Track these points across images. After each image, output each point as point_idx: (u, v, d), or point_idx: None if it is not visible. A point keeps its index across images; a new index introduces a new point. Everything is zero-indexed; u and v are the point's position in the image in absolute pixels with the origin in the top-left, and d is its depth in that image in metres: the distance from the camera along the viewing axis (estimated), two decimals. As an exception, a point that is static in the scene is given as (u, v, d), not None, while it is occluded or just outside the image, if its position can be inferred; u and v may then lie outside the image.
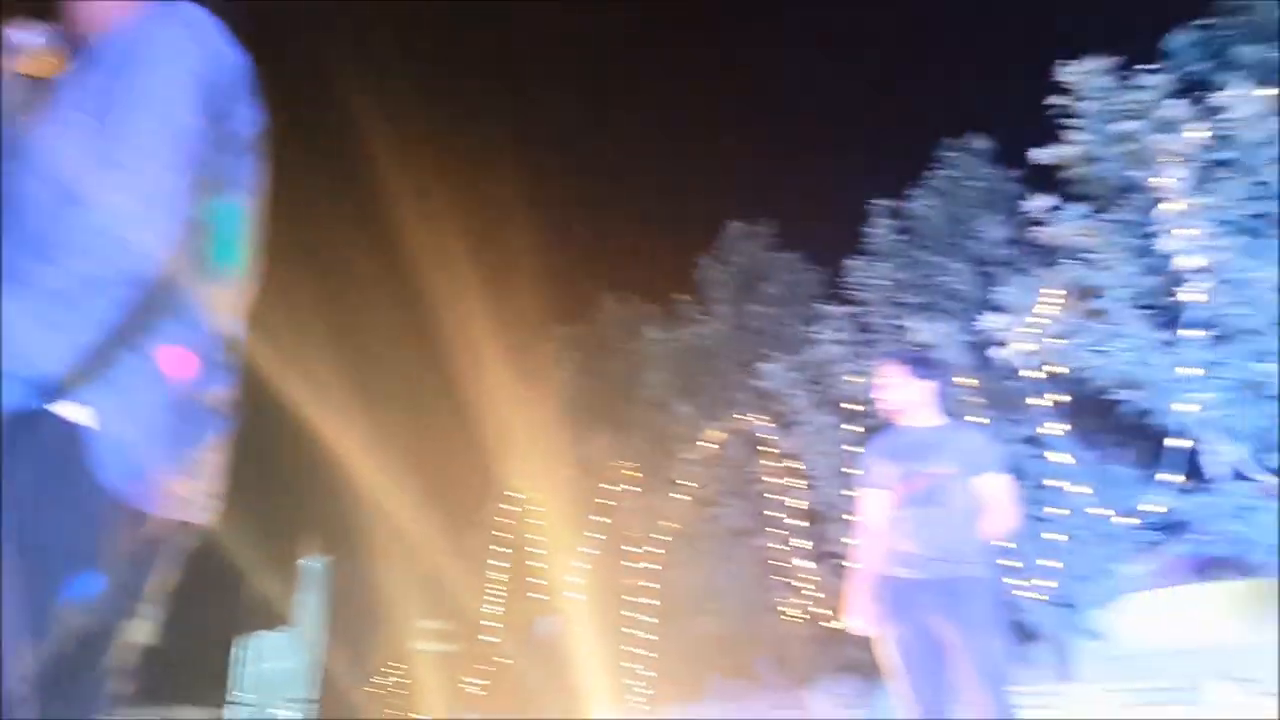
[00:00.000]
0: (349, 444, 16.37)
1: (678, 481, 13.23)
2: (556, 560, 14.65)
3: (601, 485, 14.68)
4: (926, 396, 4.01)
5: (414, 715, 19.26)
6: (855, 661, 10.47)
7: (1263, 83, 6.65)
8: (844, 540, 8.81)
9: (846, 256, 11.04)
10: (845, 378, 10.19)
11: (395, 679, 21.08)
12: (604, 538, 14.52)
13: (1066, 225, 7.62)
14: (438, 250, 14.71)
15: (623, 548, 14.04)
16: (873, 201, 11.07)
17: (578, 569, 14.55)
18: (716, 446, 12.80)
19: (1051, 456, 8.29)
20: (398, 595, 19.79)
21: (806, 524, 11.05)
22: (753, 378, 11.51)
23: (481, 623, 16.61)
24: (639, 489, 14.09)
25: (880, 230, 10.88)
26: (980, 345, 8.63)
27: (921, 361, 4.10)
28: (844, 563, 8.08)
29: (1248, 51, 7.12)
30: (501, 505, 16.57)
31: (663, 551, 13.30)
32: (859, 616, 3.92)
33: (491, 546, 16.91)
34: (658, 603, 13.32)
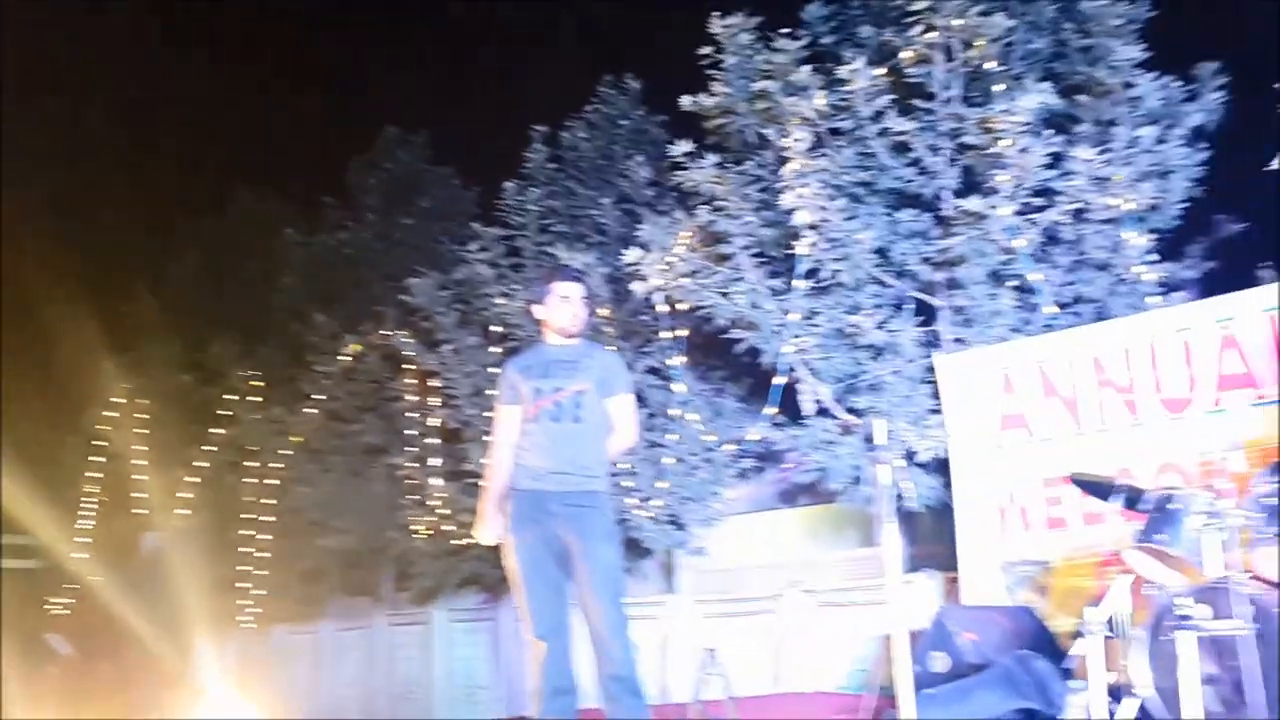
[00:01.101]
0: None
1: (309, 395, 12.64)
2: (165, 473, 13.53)
3: (223, 395, 13.69)
4: (585, 316, 4.14)
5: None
6: (479, 576, 10.73)
7: (876, 62, 7.45)
8: (480, 460, 8.95)
9: (502, 178, 11.01)
10: (493, 299, 10.24)
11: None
12: (221, 450, 13.59)
13: (702, 172, 8.11)
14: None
15: (244, 463, 13.23)
16: (532, 127, 11.11)
17: (190, 483, 13.55)
18: (353, 360, 12.36)
19: (672, 386, 8.91)
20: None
21: (442, 442, 11.03)
22: (398, 292, 11.22)
23: (75, 539, 14.94)
24: (264, 399, 13.30)
25: (536, 156, 10.95)
26: (619, 278, 9.03)
27: (584, 283, 4.22)
28: (478, 481, 8.21)
29: (868, 32, 7.93)
30: (104, 412, 14.87)
31: (285, 467, 12.70)
32: (489, 528, 4.00)
33: (91, 458, 15.20)
34: (276, 519, 12.73)
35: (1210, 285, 7.05)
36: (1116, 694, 4.35)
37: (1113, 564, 4.86)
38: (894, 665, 3.05)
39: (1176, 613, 3.92)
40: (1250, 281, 6.04)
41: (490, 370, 9.68)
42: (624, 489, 9.10)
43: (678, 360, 8.78)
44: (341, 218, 14.46)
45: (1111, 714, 4.30)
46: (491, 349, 10.19)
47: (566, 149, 11.05)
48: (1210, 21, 7.13)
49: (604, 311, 9.24)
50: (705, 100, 8.20)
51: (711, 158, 8.13)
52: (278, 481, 12.75)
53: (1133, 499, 4.63)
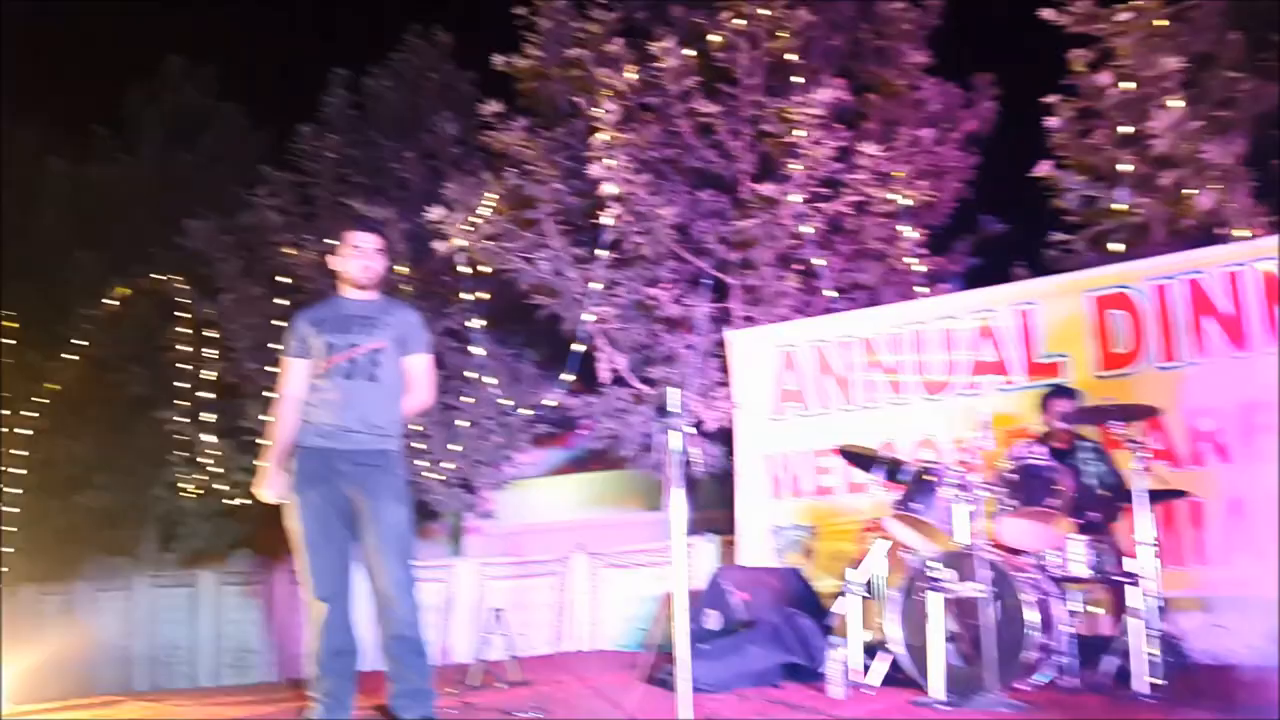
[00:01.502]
0: None
1: (70, 340, 11.62)
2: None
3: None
4: (381, 270, 4.02)
5: None
6: (252, 537, 10.29)
7: (686, 43, 7.61)
8: (259, 416, 8.54)
9: (297, 122, 10.48)
10: (281, 248, 9.78)
11: None
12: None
13: (511, 135, 8.05)
14: None
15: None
16: (333, 70, 10.63)
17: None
18: (121, 305, 11.45)
19: (470, 349, 8.83)
20: None
21: (217, 397, 10.44)
22: (175, 234, 10.48)
23: None
24: (19, 343, 12.10)
25: (336, 101, 10.49)
26: (420, 236, 8.83)
27: (383, 235, 4.09)
28: (255, 439, 7.83)
29: (679, 12, 8.09)
30: None
31: (40, 417, 11.63)
32: (271, 486, 3.84)
33: None
34: (29, 473, 11.65)
35: (972, 279, 7.72)
36: (872, 650, 4.74)
37: (873, 530, 5.24)
38: (672, 623, 3.20)
39: (928, 575, 4.30)
40: (1007, 278, 6.65)
41: (275, 323, 9.25)
42: (416, 451, 8.97)
43: (477, 323, 8.71)
44: (114, 149, 13.31)
45: (866, 668, 4.68)
46: (277, 301, 9.73)
47: (369, 97, 10.64)
48: (987, 35, 7.76)
49: (402, 269, 9.01)
50: (518, 62, 8.13)
51: (521, 121, 8.08)
52: (31, 432, 11.66)
53: (893, 471, 5.03)
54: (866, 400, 6.55)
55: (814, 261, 7.63)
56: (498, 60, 8.13)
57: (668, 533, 3.56)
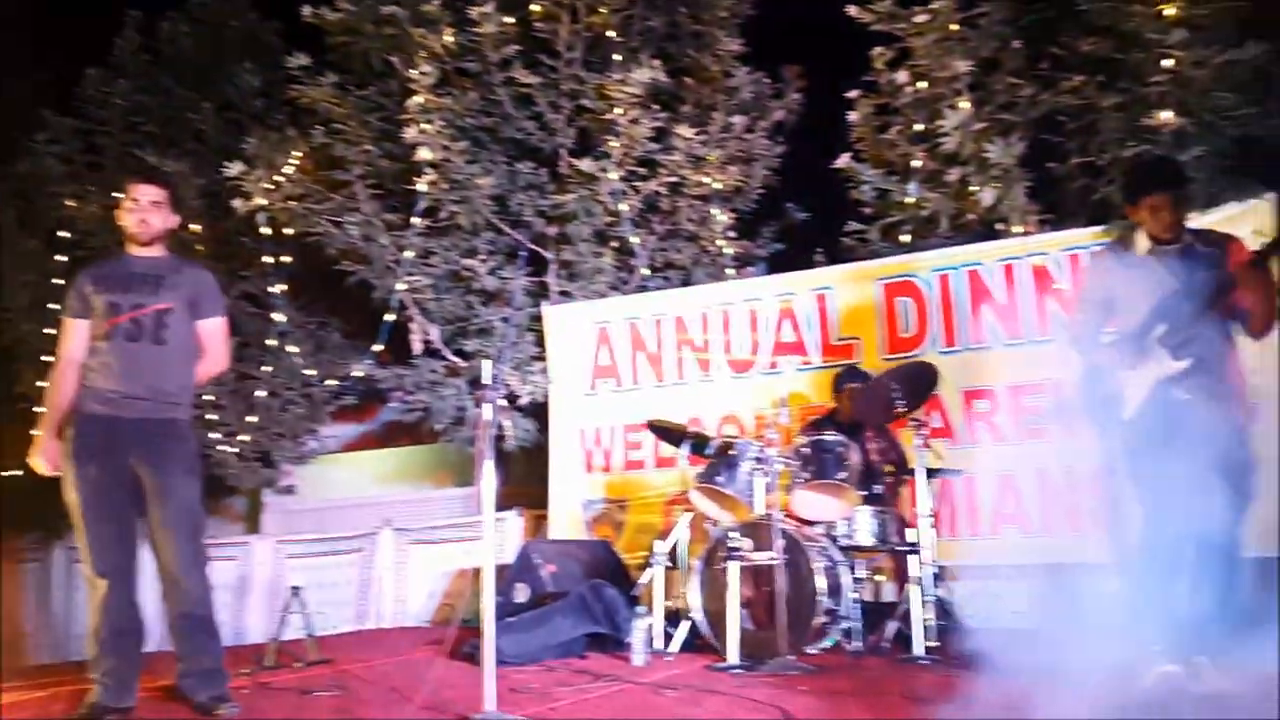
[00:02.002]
0: None
1: None
2: None
3: None
4: (161, 226, 3.77)
5: None
6: (25, 513, 9.47)
7: (507, 10, 7.49)
8: (38, 383, 7.85)
9: (84, 64, 9.63)
10: (63, 199, 9.00)
11: None
12: None
13: (320, 91, 7.71)
14: None
15: None
16: (126, 10, 9.82)
17: None
18: None
19: (271, 315, 8.44)
20: None
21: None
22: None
23: None
24: None
25: (127, 44, 9.70)
26: (217, 193, 8.35)
27: (170, 187, 3.82)
28: (33, 406, 7.19)
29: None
30: None
31: None
32: (46, 457, 3.58)
33: None
34: None
35: (776, 264, 8.03)
36: (675, 619, 4.90)
37: (678, 503, 5.42)
38: (480, 598, 3.19)
39: (728, 545, 4.48)
40: (808, 263, 6.96)
41: (54, 281, 8.53)
42: (210, 423, 8.51)
43: (279, 288, 8.32)
44: None
45: (668, 636, 4.84)
46: (57, 257, 8.96)
47: (165, 42, 9.90)
48: (797, 27, 8.03)
49: (196, 227, 8.49)
50: (328, 14, 7.76)
51: (331, 77, 7.75)
52: None
53: (699, 445, 5.21)
54: (676, 377, 6.73)
55: (630, 239, 7.74)
56: (306, 11, 7.73)
57: (478, 508, 3.55)
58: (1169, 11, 5.90)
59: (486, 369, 3.29)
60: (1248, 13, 5.96)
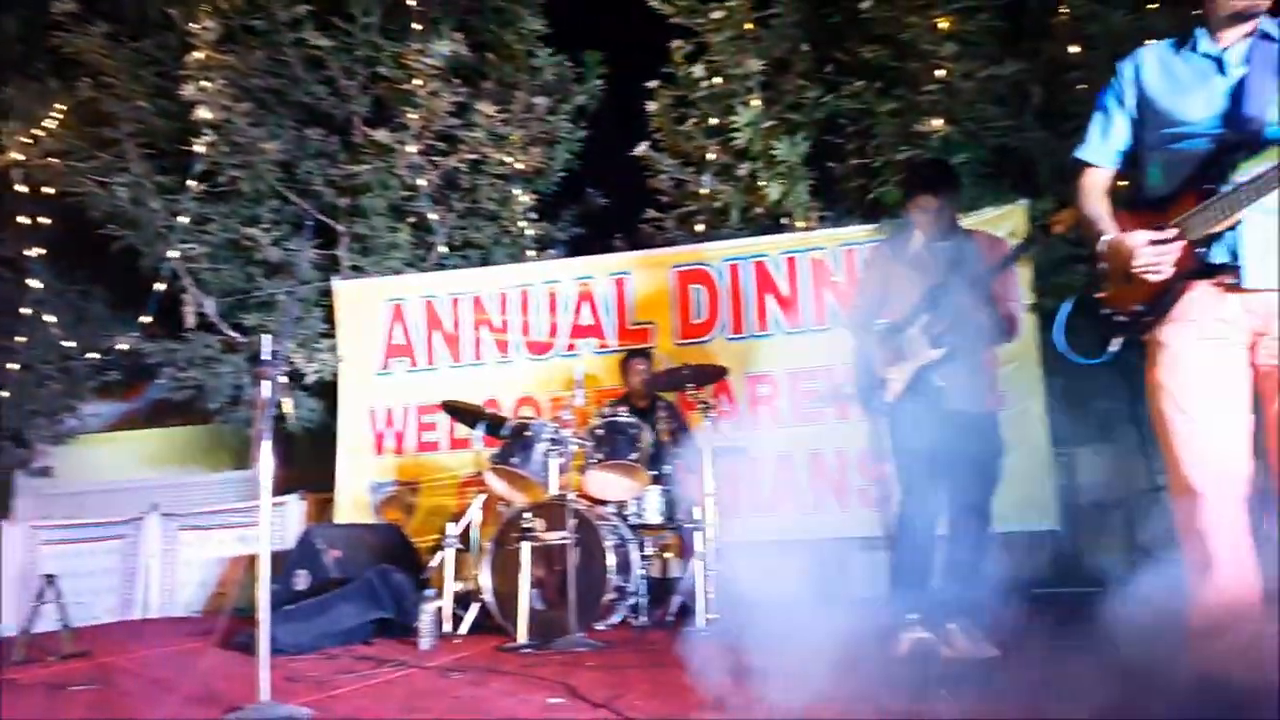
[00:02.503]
0: None
1: None
2: None
3: None
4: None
5: None
6: None
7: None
8: None
9: None
10: None
11: None
12: None
13: (87, 40, 7.10)
14: None
15: None
16: None
17: None
18: None
19: (26, 282, 7.72)
20: None
21: None
22: None
23: None
24: None
25: None
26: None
27: None
28: None
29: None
30: None
31: None
32: None
33: None
34: None
35: (576, 247, 8.09)
36: (466, 601, 4.87)
37: (472, 485, 5.38)
38: (255, 585, 3.06)
39: (521, 525, 4.49)
40: (608, 248, 7.06)
41: None
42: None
43: (36, 251, 7.60)
44: None
45: (458, 619, 4.80)
46: None
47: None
48: (602, 14, 8.09)
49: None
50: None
51: (102, 26, 7.14)
52: None
53: (495, 427, 5.19)
54: (473, 358, 6.66)
55: (428, 215, 7.57)
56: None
57: (256, 491, 3.39)
58: (943, 25, 6.37)
59: (266, 345, 3.14)
60: (1008, 32, 6.54)
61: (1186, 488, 2.41)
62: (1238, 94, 2.37)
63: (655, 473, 5.03)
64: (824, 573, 5.48)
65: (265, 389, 3.10)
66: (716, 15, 6.87)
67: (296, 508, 6.84)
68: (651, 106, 7.23)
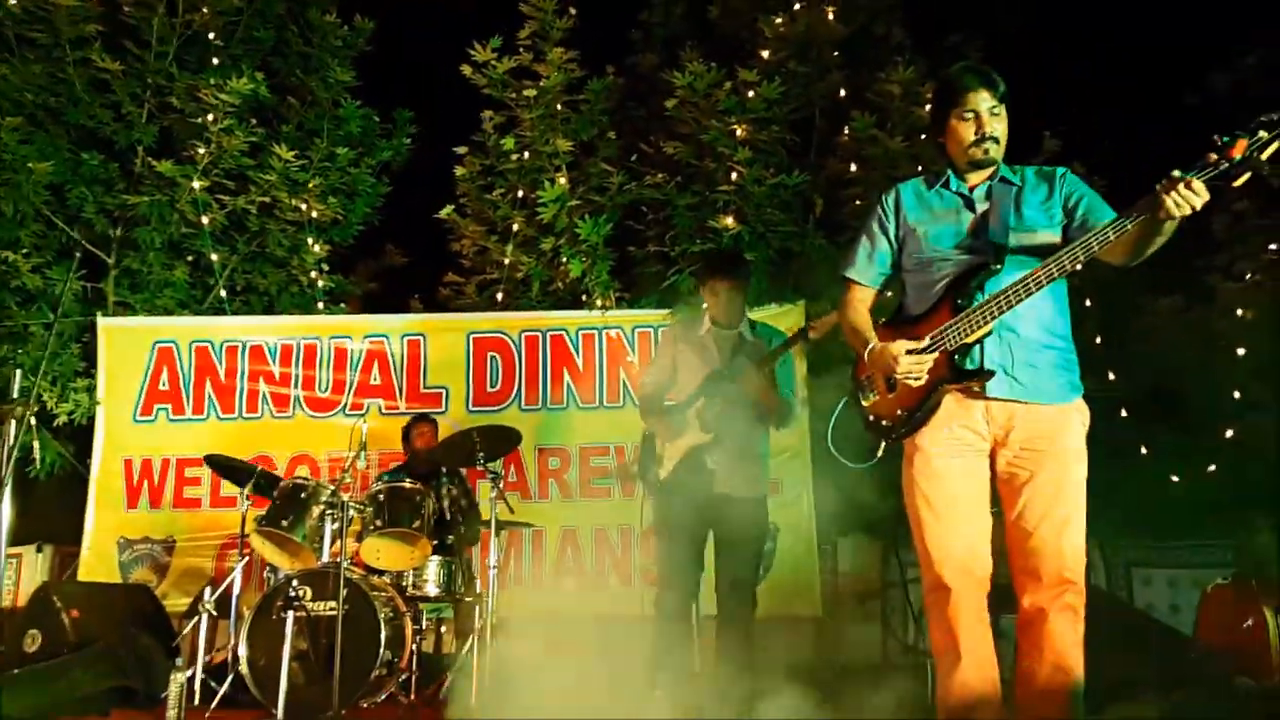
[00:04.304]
0: None
1: None
2: None
3: None
4: None
5: None
6: None
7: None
8: None
9: None
10: None
11: None
12: None
13: None
14: None
15: None
16: None
17: None
18: None
19: None
20: None
21: None
22: None
23: None
24: None
25: None
26: None
27: None
28: None
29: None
30: None
31: None
32: None
33: None
34: None
35: (370, 303, 7.92)
36: (220, 673, 4.55)
37: (234, 546, 5.08)
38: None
39: (287, 593, 4.26)
40: (404, 307, 6.96)
41: None
42: None
43: None
44: None
45: (210, 691, 4.48)
46: None
47: None
48: (416, 74, 8.09)
49: None
50: None
51: None
52: None
53: (265, 485, 4.93)
54: (248, 410, 6.33)
55: (210, 255, 7.20)
56: None
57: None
58: (739, 132, 6.81)
59: (16, 380, 2.90)
60: (796, 146, 7.08)
61: (936, 582, 2.65)
62: (981, 225, 2.71)
63: (437, 542, 4.94)
64: (604, 651, 5.52)
65: (8, 431, 2.86)
66: (529, 93, 7.03)
67: (36, 560, 6.20)
68: (459, 171, 7.26)
